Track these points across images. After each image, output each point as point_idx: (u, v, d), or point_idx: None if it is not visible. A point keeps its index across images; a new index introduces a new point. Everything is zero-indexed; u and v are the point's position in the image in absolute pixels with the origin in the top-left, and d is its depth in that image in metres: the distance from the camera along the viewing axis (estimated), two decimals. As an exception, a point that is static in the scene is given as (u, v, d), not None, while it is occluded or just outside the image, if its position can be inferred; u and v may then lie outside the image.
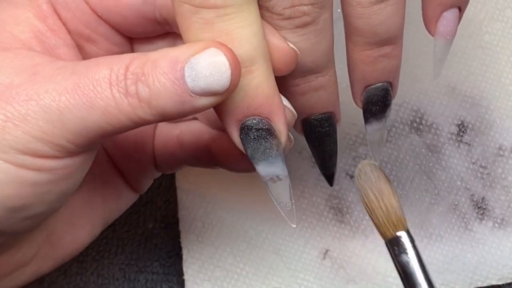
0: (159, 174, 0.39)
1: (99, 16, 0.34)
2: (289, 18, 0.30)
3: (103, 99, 0.28)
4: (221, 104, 0.29)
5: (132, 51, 0.35)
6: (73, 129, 0.29)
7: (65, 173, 0.30)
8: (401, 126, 0.44)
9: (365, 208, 0.34)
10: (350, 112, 0.44)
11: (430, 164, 0.43)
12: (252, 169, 0.35)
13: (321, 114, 0.33)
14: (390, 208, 0.33)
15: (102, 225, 0.37)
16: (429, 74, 0.44)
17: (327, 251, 0.42)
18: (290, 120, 0.32)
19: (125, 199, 0.38)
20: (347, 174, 0.43)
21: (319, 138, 0.34)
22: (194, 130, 0.37)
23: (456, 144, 0.44)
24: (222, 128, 0.36)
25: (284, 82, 0.32)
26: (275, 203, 0.32)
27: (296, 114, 0.32)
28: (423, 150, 0.44)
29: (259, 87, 0.29)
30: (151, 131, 0.37)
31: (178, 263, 0.43)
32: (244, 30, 0.28)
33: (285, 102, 0.31)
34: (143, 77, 0.28)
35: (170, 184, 0.44)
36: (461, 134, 0.44)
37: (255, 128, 0.30)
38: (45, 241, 0.34)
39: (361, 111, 0.43)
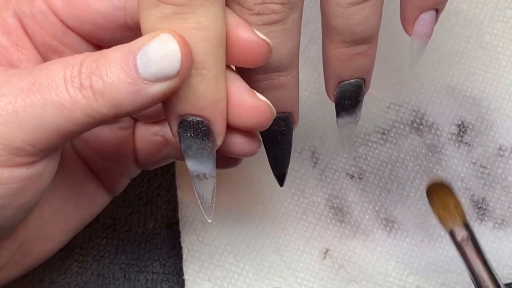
0: (138, 173, 0.39)
1: (67, 26, 0.33)
2: (258, 14, 0.31)
3: (58, 94, 0.28)
4: None
5: None
6: (29, 128, 0.28)
7: (21, 185, 0.30)
8: (402, 126, 0.44)
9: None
10: (350, 112, 0.44)
11: (431, 165, 0.43)
12: (235, 164, 0.36)
13: (279, 113, 0.34)
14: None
15: (74, 232, 0.37)
16: (429, 74, 0.44)
17: (327, 250, 0.42)
18: (269, 119, 0.32)
19: (99, 204, 0.38)
20: (347, 174, 0.43)
21: (274, 137, 0.34)
22: None
23: (457, 144, 0.44)
24: None
25: (245, 78, 0.32)
26: (197, 196, 0.32)
27: (275, 113, 0.32)
28: (423, 150, 0.44)
29: (205, 91, 0.29)
30: (130, 131, 0.37)
31: (178, 263, 0.43)
32: (197, 32, 0.29)
33: (263, 98, 0.31)
34: (96, 70, 0.28)
35: (170, 184, 0.44)
36: (461, 134, 0.44)
37: (194, 128, 0.30)
38: (16, 251, 0.34)
39: (361, 111, 0.44)
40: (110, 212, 0.43)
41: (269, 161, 0.36)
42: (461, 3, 0.45)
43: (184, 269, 0.42)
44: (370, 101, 0.44)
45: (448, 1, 0.45)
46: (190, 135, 0.30)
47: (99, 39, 0.34)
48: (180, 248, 0.43)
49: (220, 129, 0.30)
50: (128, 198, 0.44)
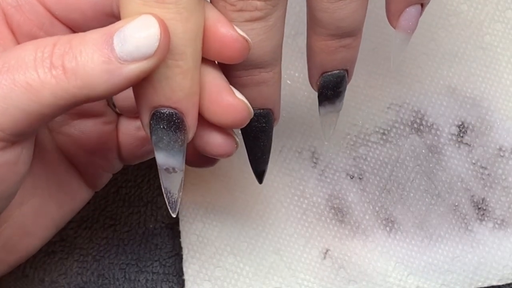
0: (121, 167, 0.39)
1: (55, 17, 0.33)
2: (241, 10, 0.31)
3: (25, 74, 0.28)
4: (141, 86, 0.29)
5: None
6: None
7: None
8: (402, 127, 0.44)
9: None
10: (350, 112, 0.44)
11: (431, 165, 0.43)
12: (211, 163, 0.36)
13: (260, 109, 0.34)
14: None
15: (56, 229, 0.37)
16: (430, 75, 0.44)
17: (327, 251, 0.42)
18: (246, 118, 0.32)
19: (80, 199, 0.38)
20: (347, 174, 0.43)
21: (254, 133, 0.34)
22: None
23: (457, 145, 0.44)
24: None
25: (227, 72, 0.32)
26: (163, 190, 0.32)
27: (252, 113, 0.32)
28: (423, 151, 0.44)
29: (182, 83, 0.29)
30: (114, 126, 0.37)
31: (178, 263, 0.43)
32: (176, 23, 0.28)
33: (241, 97, 0.32)
34: (70, 50, 0.28)
35: (170, 184, 0.44)
36: (461, 135, 0.44)
37: (167, 120, 0.30)
38: (0, 249, 0.34)
39: (361, 112, 0.44)
40: (110, 212, 0.43)
41: (249, 158, 0.36)
42: (461, 4, 0.45)
43: (184, 269, 0.42)
44: (370, 101, 0.44)
45: (448, 2, 0.45)
46: (163, 127, 0.30)
47: (87, 29, 0.34)
48: (180, 248, 0.43)
49: (192, 122, 0.30)
50: (128, 198, 0.44)
